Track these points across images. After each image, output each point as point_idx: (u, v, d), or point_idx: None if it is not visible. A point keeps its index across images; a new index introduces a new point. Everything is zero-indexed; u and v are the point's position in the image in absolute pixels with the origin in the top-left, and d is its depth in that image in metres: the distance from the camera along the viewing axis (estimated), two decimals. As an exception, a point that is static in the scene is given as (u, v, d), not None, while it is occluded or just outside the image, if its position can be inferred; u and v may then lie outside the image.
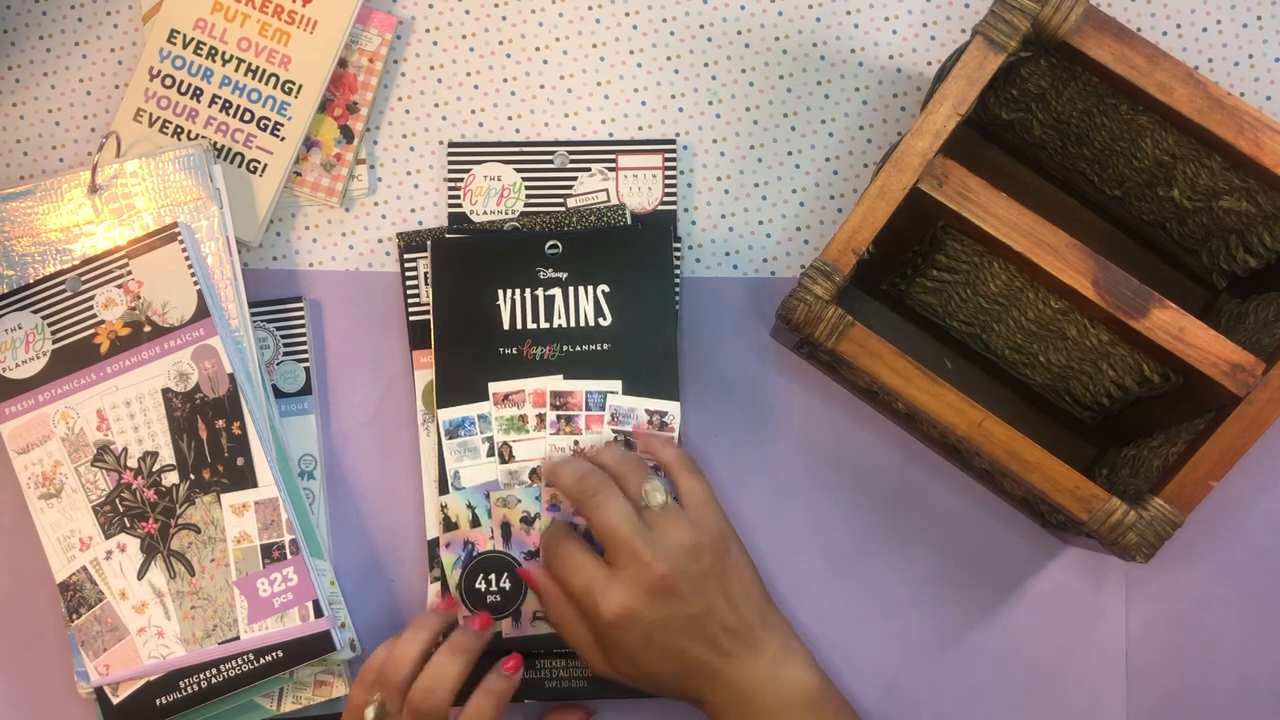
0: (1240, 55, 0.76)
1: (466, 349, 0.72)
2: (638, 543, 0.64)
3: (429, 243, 0.73)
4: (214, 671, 0.69)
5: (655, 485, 0.66)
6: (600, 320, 0.72)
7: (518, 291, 0.73)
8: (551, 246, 0.73)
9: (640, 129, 0.76)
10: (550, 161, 0.75)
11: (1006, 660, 0.74)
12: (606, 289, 0.73)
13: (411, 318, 0.74)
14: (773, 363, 0.75)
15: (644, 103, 0.76)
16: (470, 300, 0.73)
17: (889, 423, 0.75)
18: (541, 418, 0.72)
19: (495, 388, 0.72)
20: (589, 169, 0.75)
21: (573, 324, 0.72)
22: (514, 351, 0.72)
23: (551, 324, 0.73)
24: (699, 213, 0.76)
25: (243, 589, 0.70)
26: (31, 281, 0.72)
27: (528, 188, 0.75)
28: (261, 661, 0.69)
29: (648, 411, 0.72)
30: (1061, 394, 0.73)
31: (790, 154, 0.76)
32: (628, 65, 0.77)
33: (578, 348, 0.72)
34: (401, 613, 0.74)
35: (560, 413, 0.72)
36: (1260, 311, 0.67)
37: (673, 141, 0.76)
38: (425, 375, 0.74)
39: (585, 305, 0.73)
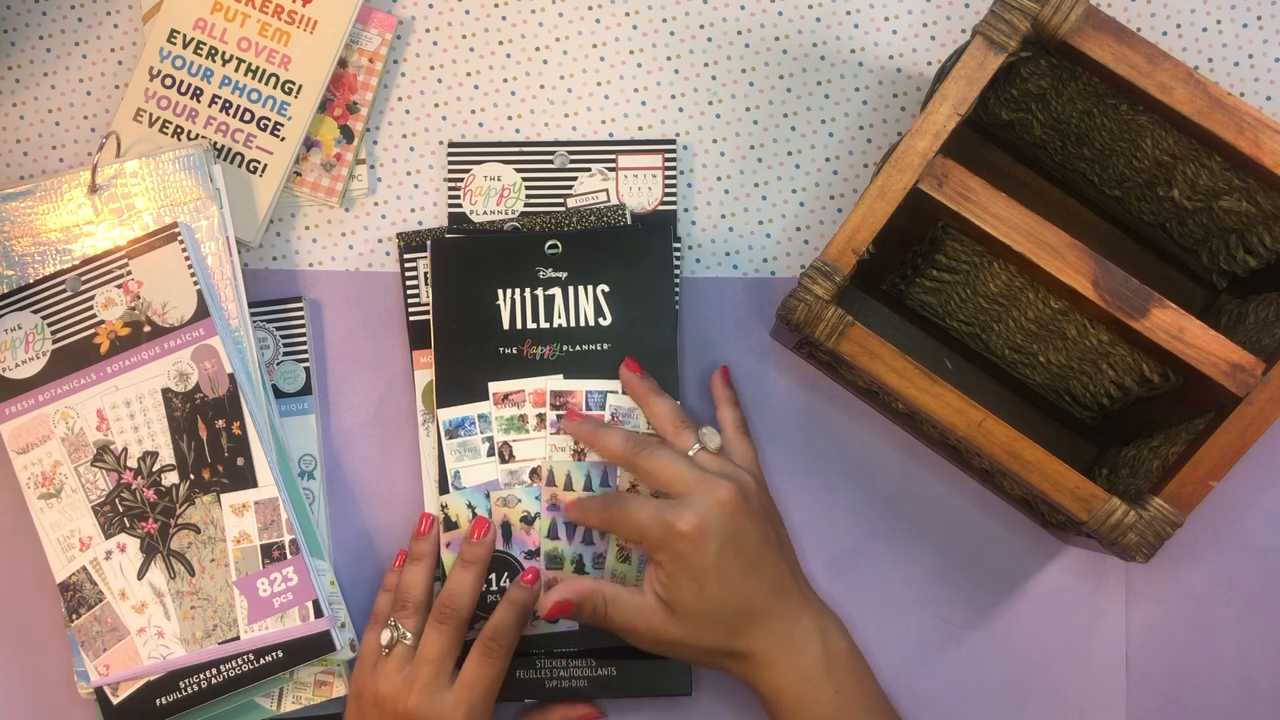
0: (1240, 55, 0.76)
1: (466, 349, 0.72)
2: (702, 471, 0.67)
3: (428, 243, 0.73)
4: (214, 671, 0.69)
5: (710, 431, 0.70)
6: (600, 320, 0.72)
7: (517, 291, 0.73)
8: (551, 246, 0.73)
9: (640, 129, 0.76)
10: (550, 161, 0.75)
11: (1006, 660, 0.74)
12: (606, 289, 0.73)
13: (411, 318, 0.74)
14: (773, 363, 0.75)
15: (644, 103, 0.76)
16: (470, 300, 0.72)
17: (889, 423, 0.75)
18: (541, 418, 0.72)
19: (495, 387, 0.72)
20: (589, 169, 0.75)
21: (573, 324, 0.72)
22: (514, 351, 0.72)
23: (551, 324, 0.73)
24: (699, 213, 0.76)
25: (243, 589, 0.70)
26: (31, 281, 0.72)
27: (528, 188, 0.75)
28: (261, 661, 0.69)
29: None
30: (1061, 394, 0.73)
31: (790, 154, 0.76)
32: (628, 65, 0.77)
33: (577, 347, 0.72)
34: (401, 613, 0.74)
35: (560, 412, 0.72)
36: (1260, 311, 0.67)
37: (673, 141, 0.76)
38: (425, 375, 0.74)
39: (585, 305, 0.72)
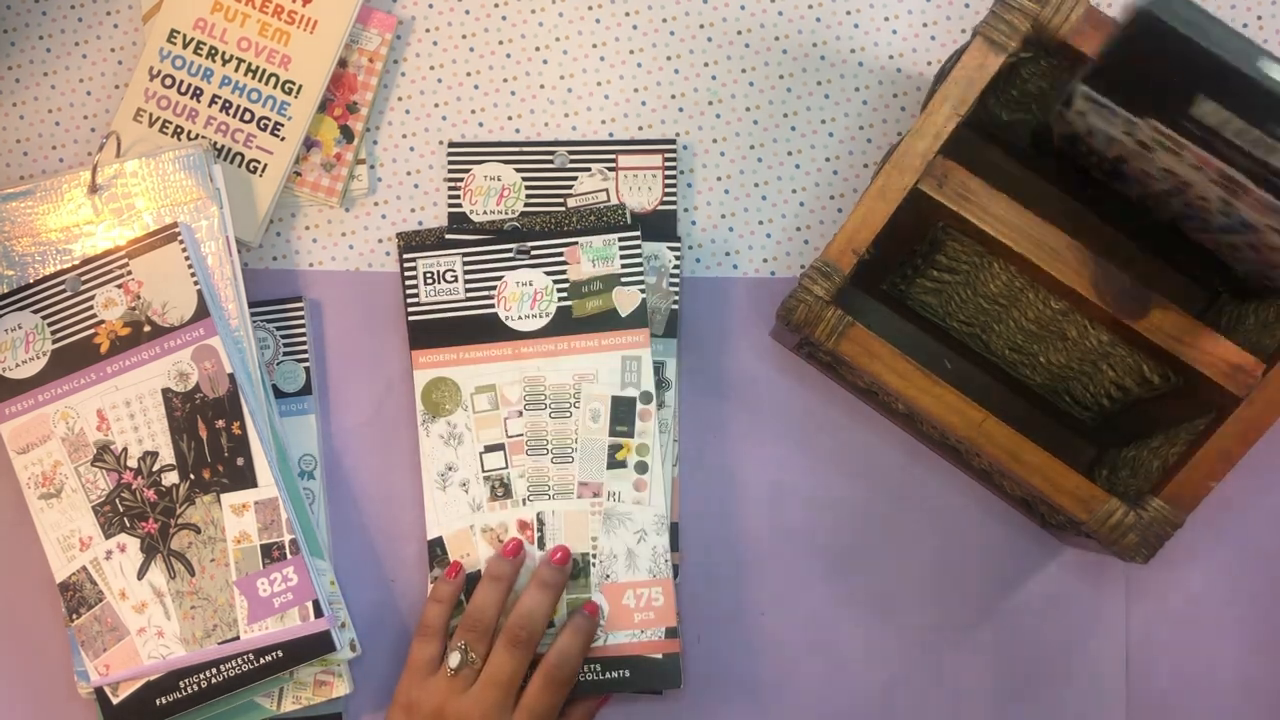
0: (1240, 55, 0.76)
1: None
2: None
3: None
4: (214, 671, 0.69)
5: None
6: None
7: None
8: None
9: (640, 129, 0.76)
10: (550, 161, 0.75)
11: (1006, 660, 0.74)
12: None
13: (411, 318, 0.74)
14: (773, 363, 0.75)
15: (644, 103, 0.76)
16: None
17: (889, 423, 0.75)
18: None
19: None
20: (589, 169, 0.75)
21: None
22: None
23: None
24: (699, 213, 0.76)
25: (243, 589, 0.70)
26: (31, 281, 0.72)
27: (528, 188, 0.75)
28: (261, 661, 0.69)
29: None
30: (1061, 394, 0.73)
31: (790, 154, 0.76)
32: (628, 65, 0.77)
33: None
34: (402, 613, 0.74)
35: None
36: (1260, 312, 0.67)
37: (673, 141, 0.76)
38: (425, 375, 0.74)
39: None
